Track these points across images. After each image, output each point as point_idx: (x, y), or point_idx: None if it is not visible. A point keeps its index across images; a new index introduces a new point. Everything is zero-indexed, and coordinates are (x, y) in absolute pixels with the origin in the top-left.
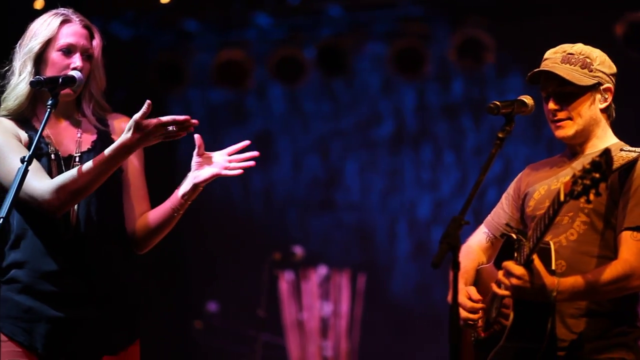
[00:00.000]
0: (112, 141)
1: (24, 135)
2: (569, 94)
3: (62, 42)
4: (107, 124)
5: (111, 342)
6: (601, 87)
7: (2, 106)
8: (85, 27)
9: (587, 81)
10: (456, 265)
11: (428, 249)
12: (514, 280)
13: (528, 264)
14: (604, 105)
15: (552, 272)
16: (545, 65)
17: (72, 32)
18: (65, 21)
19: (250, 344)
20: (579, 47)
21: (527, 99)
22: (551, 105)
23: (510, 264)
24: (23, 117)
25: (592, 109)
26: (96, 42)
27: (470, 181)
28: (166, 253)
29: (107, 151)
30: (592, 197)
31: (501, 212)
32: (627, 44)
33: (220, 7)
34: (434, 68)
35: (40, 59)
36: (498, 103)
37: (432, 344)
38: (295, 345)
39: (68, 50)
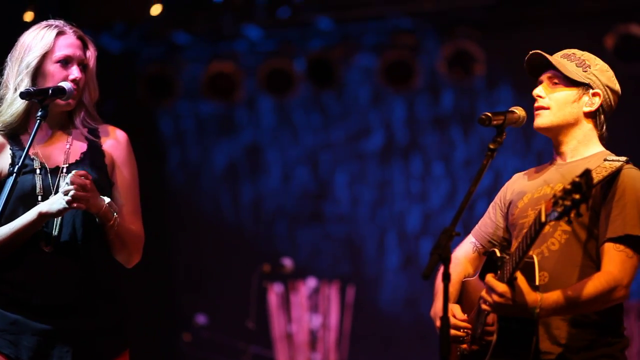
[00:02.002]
0: (102, 152)
1: (7, 153)
2: (558, 84)
3: (59, 54)
4: (98, 135)
5: (97, 354)
6: (591, 91)
7: None
8: (79, 37)
9: (576, 76)
10: (447, 277)
11: (417, 261)
12: (496, 298)
13: (511, 282)
14: (589, 109)
15: (535, 288)
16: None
17: (68, 43)
18: (60, 33)
19: (239, 356)
20: (583, 52)
21: (519, 110)
22: (536, 90)
23: (492, 281)
24: (14, 131)
25: (575, 106)
26: (90, 52)
27: (460, 193)
28: (155, 265)
29: (25, 218)
30: (572, 217)
31: (488, 221)
32: (617, 56)
33: (210, 19)
34: (423, 80)
35: (37, 73)
36: (489, 114)
37: (420, 356)
38: (284, 358)
39: (65, 62)
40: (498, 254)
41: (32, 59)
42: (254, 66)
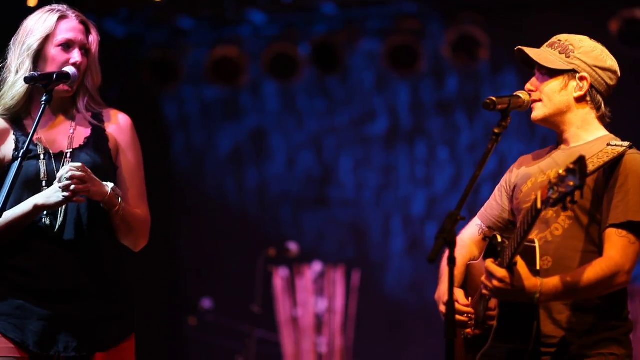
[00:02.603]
0: (106, 136)
1: (11, 139)
2: (545, 75)
3: (61, 37)
4: (102, 119)
5: (102, 339)
6: (577, 75)
7: None
8: (82, 22)
9: (558, 65)
10: (452, 261)
11: (422, 245)
12: (496, 283)
13: (510, 267)
14: (579, 94)
15: (536, 273)
16: (527, 47)
17: (70, 27)
18: (62, 17)
19: (245, 340)
20: (570, 36)
21: (523, 94)
22: (527, 85)
23: (492, 266)
24: (17, 116)
25: (563, 94)
26: (93, 37)
27: (464, 177)
28: (160, 249)
29: (20, 208)
30: (568, 204)
31: (494, 203)
32: (621, 40)
33: (214, 4)
34: (428, 64)
35: (38, 56)
36: (494, 99)
37: (426, 339)
38: (290, 342)
39: (67, 46)
40: (499, 239)
41: (34, 41)
42: (258, 51)
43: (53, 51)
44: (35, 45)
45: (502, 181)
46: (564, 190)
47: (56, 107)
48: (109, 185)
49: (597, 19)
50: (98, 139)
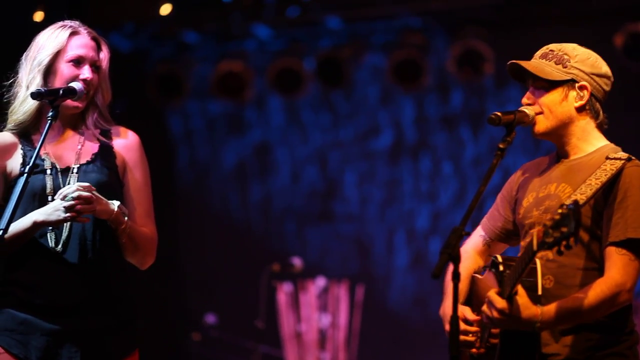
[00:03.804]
0: (113, 153)
1: (19, 153)
2: (541, 88)
3: (72, 53)
4: (110, 136)
5: (106, 354)
6: (576, 85)
7: (10, 119)
8: (94, 38)
9: (557, 75)
10: (456, 276)
11: (426, 260)
12: (495, 314)
13: (510, 297)
14: (580, 103)
15: (536, 300)
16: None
17: (82, 43)
18: (74, 33)
19: (249, 355)
20: (562, 45)
21: (528, 110)
22: (523, 99)
23: (493, 296)
24: (26, 131)
25: (564, 105)
26: (104, 54)
27: (469, 192)
28: (164, 264)
29: (20, 224)
30: (563, 249)
31: (496, 214)
32: (626, 54)
33: (220, 19)
34: (432, 79)
35: (49, 71)
36: (499, 114)
37: (430, 355)
38: (294, 357)
39: (78, 62)
40: (501, 267)
41: (45, 57)
42: (263, 65)
43: (63, 67)
44: (46, 61)
45: (504, 190)
46: (558, 236)
47: (65, 122)
48: (115, 204)
49: (602, 33)
50: (105, 156)
